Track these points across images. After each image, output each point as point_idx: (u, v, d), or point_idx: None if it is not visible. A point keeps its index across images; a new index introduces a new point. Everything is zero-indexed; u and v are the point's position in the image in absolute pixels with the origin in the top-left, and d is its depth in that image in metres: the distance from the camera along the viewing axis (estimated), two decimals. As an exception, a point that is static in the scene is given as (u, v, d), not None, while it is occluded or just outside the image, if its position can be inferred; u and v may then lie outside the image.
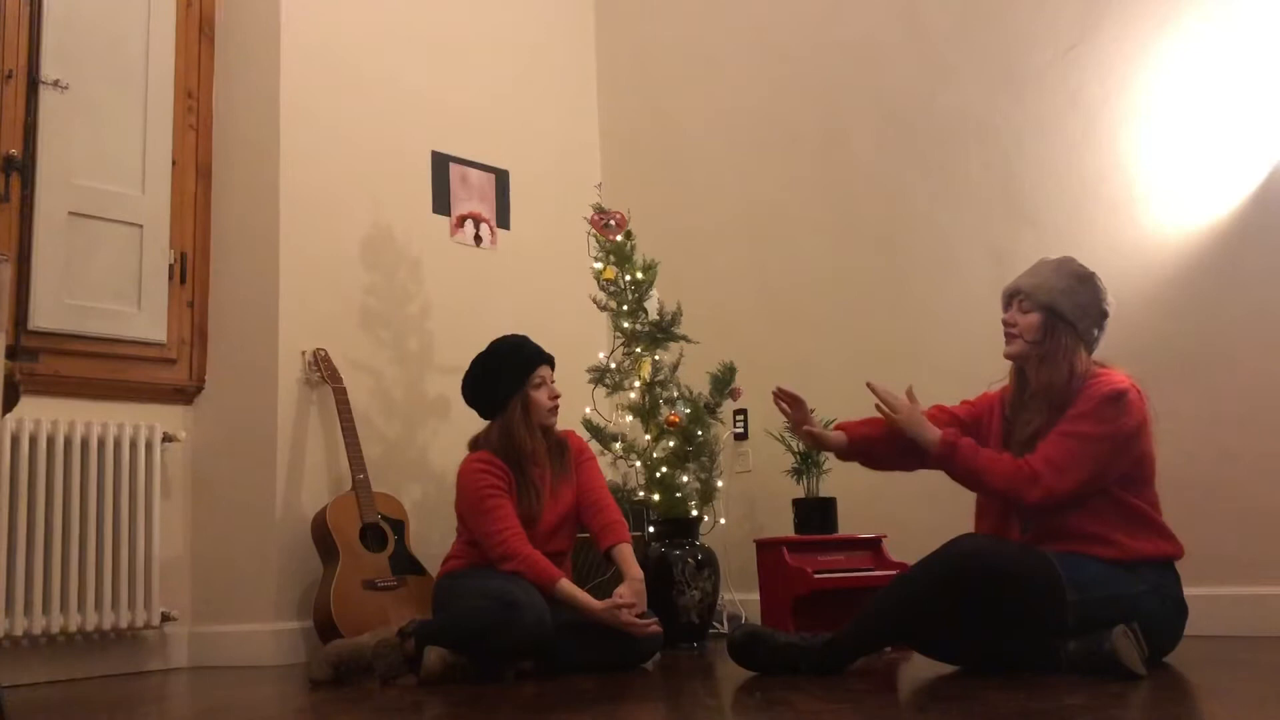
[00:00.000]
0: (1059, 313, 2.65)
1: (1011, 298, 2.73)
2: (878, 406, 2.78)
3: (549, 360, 3.36)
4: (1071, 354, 2.64)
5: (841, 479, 3.85)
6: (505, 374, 3.28)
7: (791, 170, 4.48)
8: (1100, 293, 2.70)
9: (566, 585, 3.08)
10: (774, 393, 2.97)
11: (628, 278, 3.98)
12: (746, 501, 4.37)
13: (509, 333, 3.45)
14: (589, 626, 3.09)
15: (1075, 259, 2.76)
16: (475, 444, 3.32)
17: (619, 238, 3.99)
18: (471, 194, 4.61)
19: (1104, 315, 2.70)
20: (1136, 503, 2.55)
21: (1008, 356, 2.74)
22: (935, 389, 3.76)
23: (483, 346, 4.40)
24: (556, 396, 3.32)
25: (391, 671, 2.91)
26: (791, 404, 2.94)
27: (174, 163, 4.01)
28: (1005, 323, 2.73)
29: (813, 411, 3.01)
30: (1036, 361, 2.67)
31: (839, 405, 3.96)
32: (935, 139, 4.07)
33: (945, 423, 2.77)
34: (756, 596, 3.80)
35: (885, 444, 2.82)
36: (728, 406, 4.06)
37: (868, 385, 2.79)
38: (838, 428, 2.93)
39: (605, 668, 3.06)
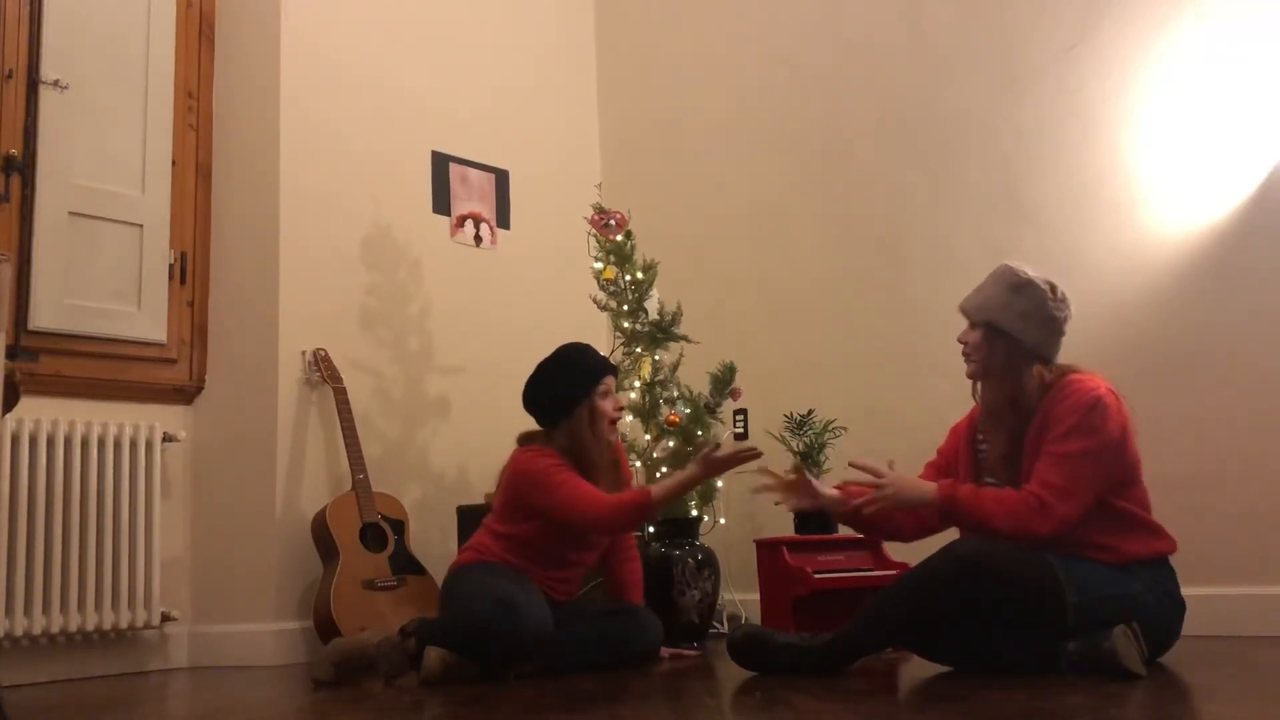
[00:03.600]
0: (997, 327, 2.60)
1: (964, 316, 2.70)
2: (862, 493, 2.65)
3: (615, 370, 3.32)
4: (1017, 368, 2.57)
5: (842, 479, 3.84)
6: (575, 379, 3.20)
7: (792, 170, 4.48)
8: (1041, 297, 2.60)
9: (659, 489, 3.00)
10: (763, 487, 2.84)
11: (628, 278, 3.98)
12: (746, 501, 4.36)
13: (575, 339, 3.37)
14: (590, 629, 3.10)
15: (1013, 267, 2.66)
16: (528, 439, 3.23)
17: (619, 238, 3.99)
18: (471, 194, 4.61)
19: (1052, 319, 2.60)
20: (1125, 506, 2.53)
21: (968, 376, 2.70)
22: (935, 389, 3.77)
23: (483, 346, 4.44)
24: (621, 408, 3.30)
25: (394, 670, 2.90)
26: (794, 488, 2.82)
27: (174, 163, 4.01)
28: (960, 342, 2.68)
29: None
30: (984, 379, 2.65)
31: (839, 405, 3.97)
32: (935, 139, 4.07)
33: (933, 478, 2.71)
34: (756, 596, 3.80)
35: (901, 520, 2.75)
36: (728, 406, 4.06)
37: (851, 464, 2.68)
38: (839, 488, 2.79)
39: (606, 666, 3.06)
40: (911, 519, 2.73)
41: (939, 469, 2.80)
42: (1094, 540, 2.50)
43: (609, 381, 3.25)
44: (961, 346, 2.68)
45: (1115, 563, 2.48)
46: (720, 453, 2.96)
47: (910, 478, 2.63)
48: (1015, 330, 2.59)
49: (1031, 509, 2.45)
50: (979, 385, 2.70)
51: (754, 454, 2.92)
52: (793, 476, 2.79)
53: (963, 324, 2.71)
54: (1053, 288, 2.63)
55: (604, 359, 3.31)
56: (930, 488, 2.58)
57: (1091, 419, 2.47)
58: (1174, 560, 2.59)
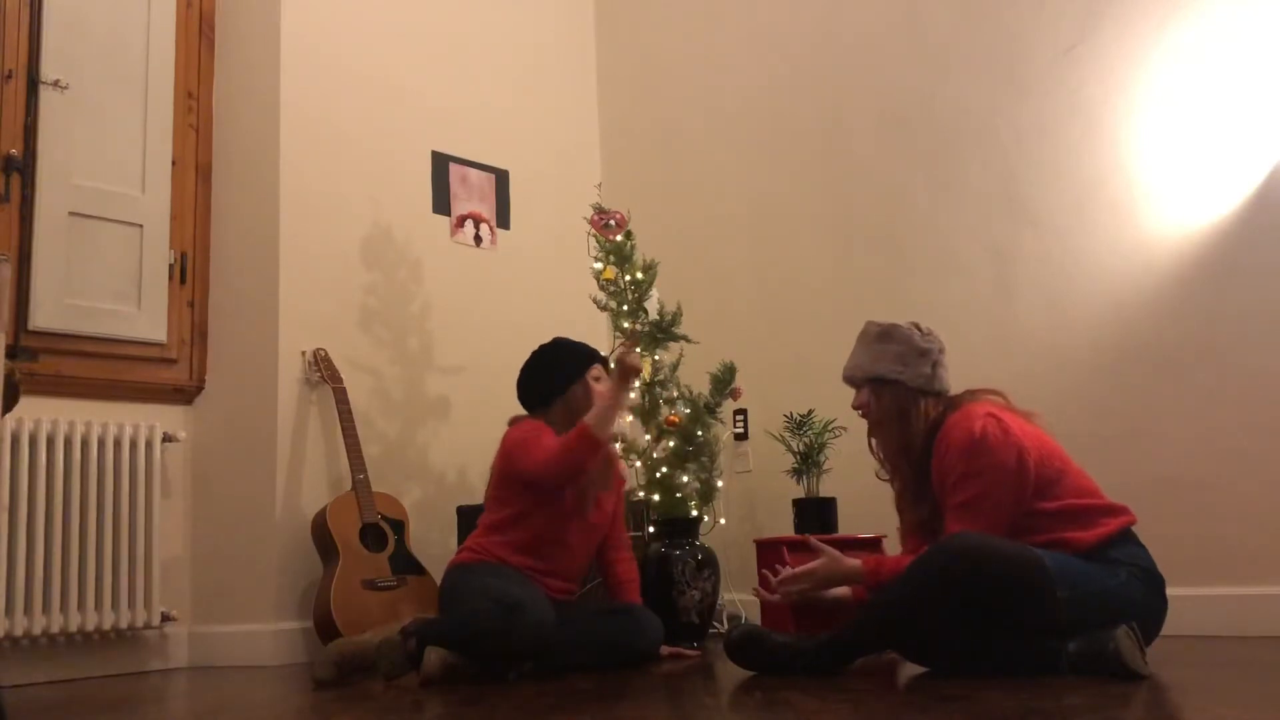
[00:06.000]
0: (878, 376, 2.71)
1: (850, 384, 2.81)
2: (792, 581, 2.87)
3: (605, 361, 3.45)
4: (906, 411, 2.68)
5: (841, 479, 3.86)
6: (568, 362, 3.37)
7: (792, 170, 4.48)
8: (907, 336, 2.72)
9: (590, 417, 3.09)
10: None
11: (628, 278, 3.98)
12: (746, 501, 4.37)
13: (575, 339, 3.51)
14: (590, 628, 3.11)
15: (873, 321, 2.79)
16: (520, 419, 3.36)
17: (619, 238, 3.99)
18: (471, 194, 4.61)
19: (924, 352, 2.70)
20: (1063, 503, 2.54)
21: (868, 435, 2.81)
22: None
23: (483, 346, 4.45)
24: None
25: (395, 670, 2.90)
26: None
27: (174, 163, 4.01)
28: (854, 408, 2.80)
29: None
30: (877, 431, 2.75)
31: (839, 405, 3.97)
32: (935, 139, 4.07)
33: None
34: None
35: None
36: (728, 406, 4.06)
37: (809, 541, 2.88)
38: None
39: (606, 666, 3.06)
40: None
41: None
42: (1049, 540, 2.51)
43: (598, 368, 3.39)
44: (859, 414, 2.80)
45: (1083, 552, 2.49)
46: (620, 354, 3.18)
47: (834, 561, 2.77)
48: (895, 374, 2.69)
49: None
50: (872, 441, 2.81)
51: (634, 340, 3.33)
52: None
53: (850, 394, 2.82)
54: (915, 325, 2.75)
55: (596, 351, 3.46)
56: (856, 565, 2.73)
57: (976, 461, 2.53)
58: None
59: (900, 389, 2.68)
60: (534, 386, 3.38)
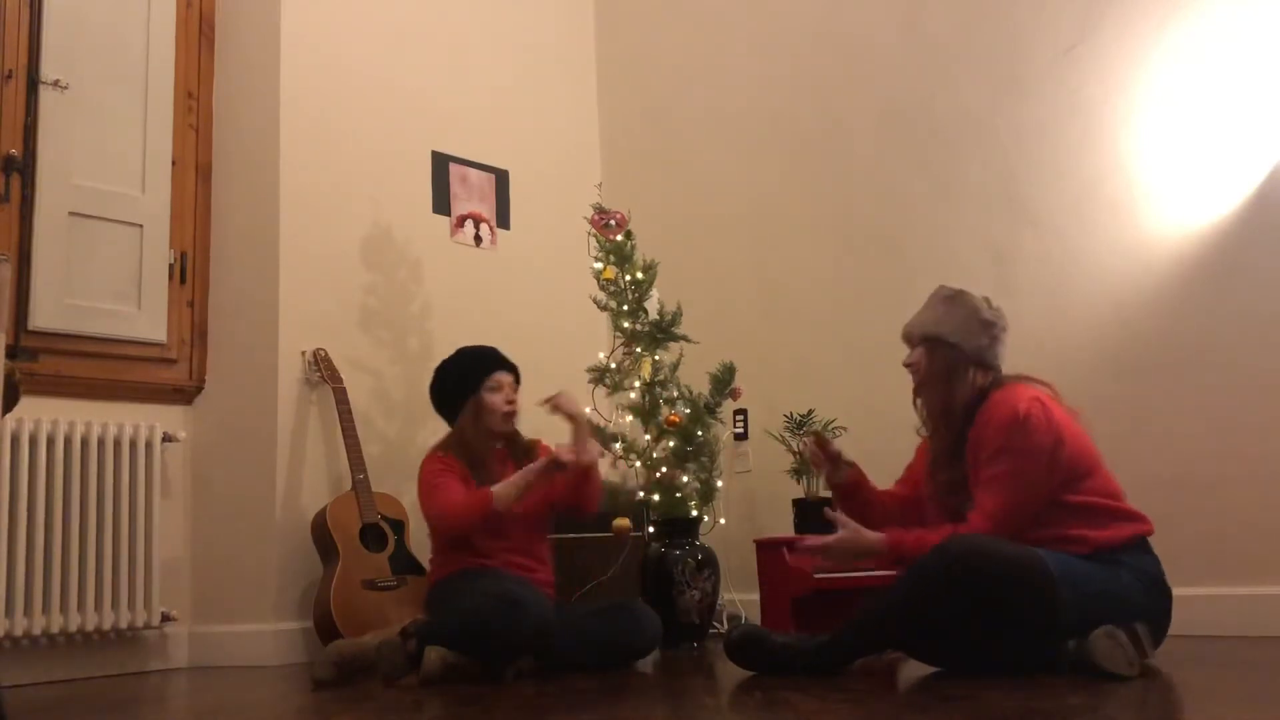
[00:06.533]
0: (936, 337, 2.72)
1: (907, 340, 2.81)
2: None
3: (509, 368, 3.41)
4: (955, 373, 2.68)
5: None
6: (460, 378, 3.36)
7: (792, 170, 4.48)
8: (975, 304, 2.73)
9: (499, 488, 3.13)
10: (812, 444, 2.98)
11: (628, 278, 3.98)
12: (746, 501, 4.37)
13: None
14: (588, 626, 3.11)
15: (944, 285, 2.81)
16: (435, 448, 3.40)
17: (619, 238, 3.99)
18: (471, 194, 4.61)
19: (987, 323, 2.71)
20: (1084, 500, 2.55)
21: (914, 395, 2.80)
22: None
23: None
24: (512, 402, 3.36)
25: (394, 672, 2.90)
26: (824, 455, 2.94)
27: (174, 163, 4.01)
28: (905, 365, 2.80)
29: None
30: (925, 390, 2.75)
31: (839, 405, 3.98)
32: (935, 139, 4.07)
33: (892, 509, 2.83)
34: (756, 596, 3.80)
35: (876, 509, 2.87)
36: (728, 406, 4.06)
37: (827, 515, 2.80)
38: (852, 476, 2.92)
39: (605, 664, 3.07)
40: (874, 514, 2.84)
41: (898, 500, 2.89)
42: (1064, 535, 2.51)
43: (500, 377, 3.36)
44: (909, 371, 2.79)
45: (1091, 553, 2.49)
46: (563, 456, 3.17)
47: (857, 536, 2.70)
48: (955, 337, 2.70)
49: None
50: (918, 401, 2.80)
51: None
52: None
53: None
54: (986, 300, 2.76)
55: (496, 356, 3.42)
56: (878, 539, 2.66)
57: (1015, 439, 2.54)
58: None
59: (955, 353, 2.69)
60: (439, 403, 3.42)
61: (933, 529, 2.64)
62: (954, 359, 2.69)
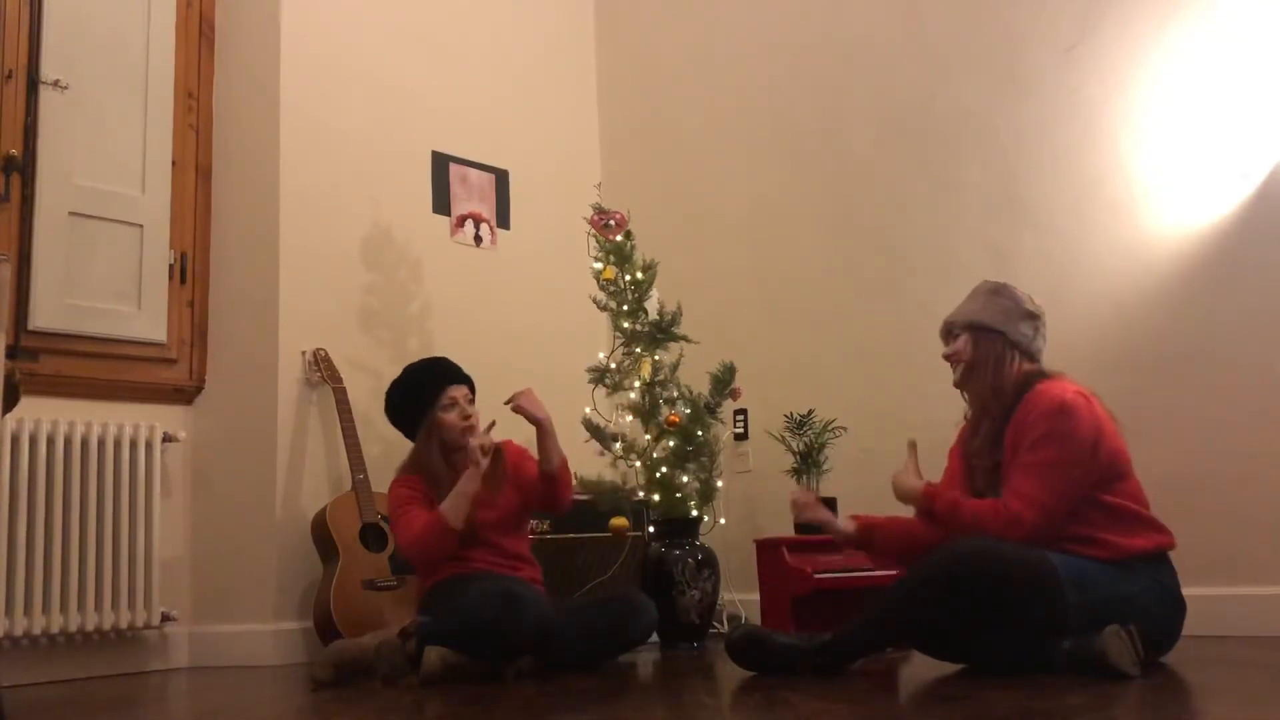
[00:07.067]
0: (982, 324, 2.73)
1: (947, 334, 2.82)
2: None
3: (462, 380, 3.31)
4: (1002, 359, 2.70)
5: (842, 479, 3.86)
6: (412, 399, 3.26)
7: (792, 170, 4.48)
8: (1017, 296, 2.76)
9: (446, 506, 3.04)
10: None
11: (628, 278, 3.99)
12: (746, 501, 4.37)
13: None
14: (586, 619, 3.12)
15: (988, 280, 2.84)
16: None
17: (619, 238, 3.99)
18: (471, 194, 4.61)
19: (1030, 315, 2.74)
20: (1117, 501, 2.55)
21: (955, 385, 2.81)
22: (935, 389, 3.76)
23: (483, 346, 4.43)
24: (468, 417, 3.24)
25: (394, 673, 2.90)
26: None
27: (174, 163, 4.01)
28: (945, 357, 2.80)
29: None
30: (970, 377, 2.75)
31: (839, 405, 3.98)
32: (935, 139, 4.07)
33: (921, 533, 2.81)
34: (756, 596, 3.80)
35: (896, 540, 2.85)
36: (728, 406, 4.06)
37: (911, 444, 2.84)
38: (852, 518, 2.94)
39: (604, 652, 3.10)
40: (904, 550, 2.82)
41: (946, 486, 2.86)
42: (1090, 536, 2.51)
43: (453, 393, 3.24)
44: (949, 363, 2.79)
45: (1114, 559, 2.48)
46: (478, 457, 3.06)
47: (910, 479, 2.76)
48: (1000, 324, 2.72)
49: (1003, 519, 2.53)
50: (964, 392, 2.80)
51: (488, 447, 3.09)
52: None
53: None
54: (1029, 296, 2.78)
55: (447, 369, 3.30)
56: (919, 487, 2.72)
57: (1059, 425, 2.53)
58: (1174, 559, 2.59)
59: (1000, 340, 2.70)
60: (398, 424, 3.34)
61: (972, 500, 2.64)
62: (998, 345, 2.70)
